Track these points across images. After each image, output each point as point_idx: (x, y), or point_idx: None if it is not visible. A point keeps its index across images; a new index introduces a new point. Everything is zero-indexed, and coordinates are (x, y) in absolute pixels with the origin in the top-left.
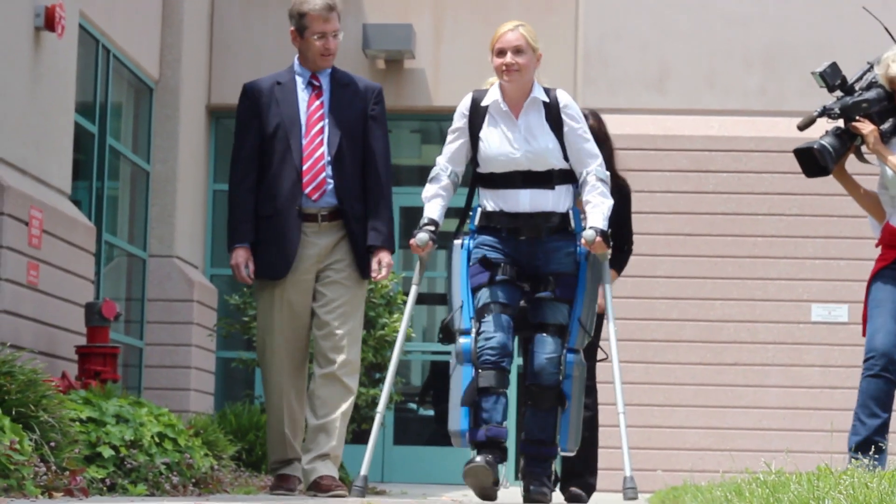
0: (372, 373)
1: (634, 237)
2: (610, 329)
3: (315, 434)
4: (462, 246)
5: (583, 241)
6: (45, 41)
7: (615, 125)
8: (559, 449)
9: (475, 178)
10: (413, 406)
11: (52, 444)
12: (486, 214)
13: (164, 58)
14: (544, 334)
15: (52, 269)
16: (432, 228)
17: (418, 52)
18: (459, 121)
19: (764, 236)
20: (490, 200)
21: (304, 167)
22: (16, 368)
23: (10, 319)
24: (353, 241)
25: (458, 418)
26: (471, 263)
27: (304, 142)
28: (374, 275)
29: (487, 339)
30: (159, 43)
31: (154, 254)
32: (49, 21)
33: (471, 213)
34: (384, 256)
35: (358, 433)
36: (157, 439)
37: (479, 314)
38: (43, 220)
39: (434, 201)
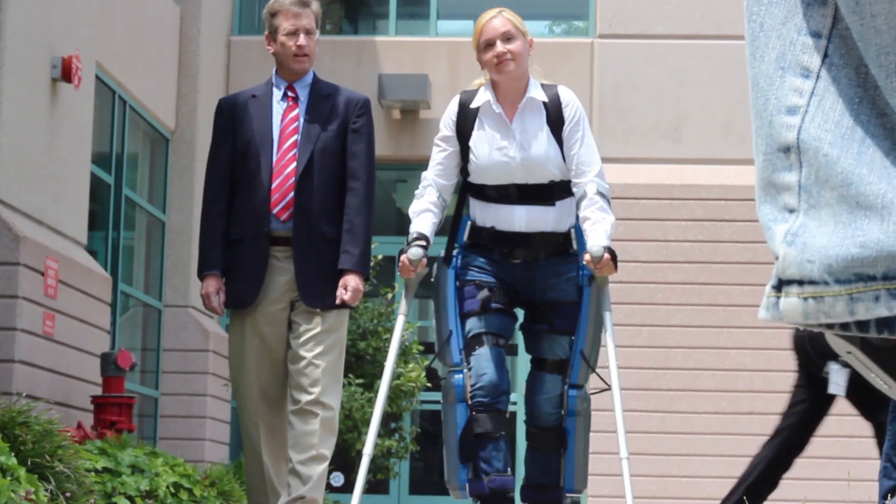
0: (387, 423)
1: (650, 286)
2: (611, 360)
3: (289, 476)
4: (449, 264)
5: (586, 259)
6: (62, 92)
7: (631, 174)
8: (565, 492)
9: (465, 186)
10: (430, 457)
11: (68, 494)
12: (475, 230)
13: (180, 109)
14: (543, 372)
15: (67, 319)
16: (423, 243)
17: (434, 102)
18: (446, 129)
19: None
20: (480, 215)
21: (274, 184)
22: (31, 419)
23: (26, 370)
24: (300, 270)
25: (455, 469)
26: (459, 285)
27: (275, 158)
28: (338, 299)
29: (479, 376)
30: (175, 94)
31: (169, 304)
32: (66, 72)
33: (459, 227)
34: (351, 279)
35: (374, 483)
36: (172, 489)
37: (470, 346)
38: (59, 271)
39: (423, 216)
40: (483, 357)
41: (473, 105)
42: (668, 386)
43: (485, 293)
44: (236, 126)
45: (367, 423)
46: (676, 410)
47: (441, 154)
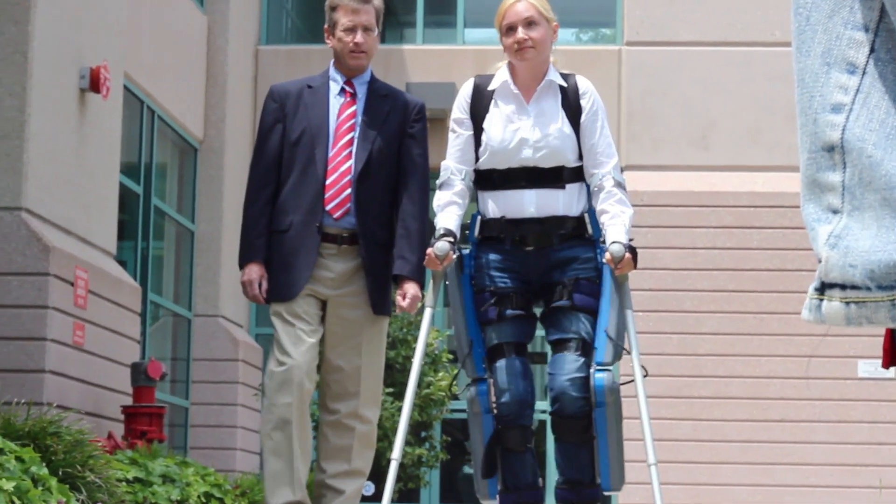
0: (418, 431)
1: (680, 294)
2: (635, 364)
3: (322, 489)
4: (462, 269)
5: (607, 256)
6: (91, 103)
7: (659, 182)
8: (602, 490)
9: (475, 178)
10: (461, 466)
11: None
12: (486, 223)
13: (208, 118)
14: (564, 352)
15: (97, 329)
16: (451, 239)
17: None
18: (461, 111)
19: None
20: (490, 205)
21: (328, 181)
22: (62, 429)
23: (57, 380)
24: (370, 272)
25: (485, 487)
26: (475, 290)
27: (331, 153)
28: (398, 306)
29: (502, 391)
30: (204, 103)
31: (199, 313)
32: (94, 83)
33: (470, 223)
34: (410, 287)
35: (404, 492)
36: (203, 499)
37: (490, 358)
38: (88, 281)
39: (449, 210)
40: (504, 370)
41: (490, 87)
42: (698, 394)
43: (500, 300)
44: (288, 114)
45: (396, 431)
46: (707, 418)
47: (458, 139)
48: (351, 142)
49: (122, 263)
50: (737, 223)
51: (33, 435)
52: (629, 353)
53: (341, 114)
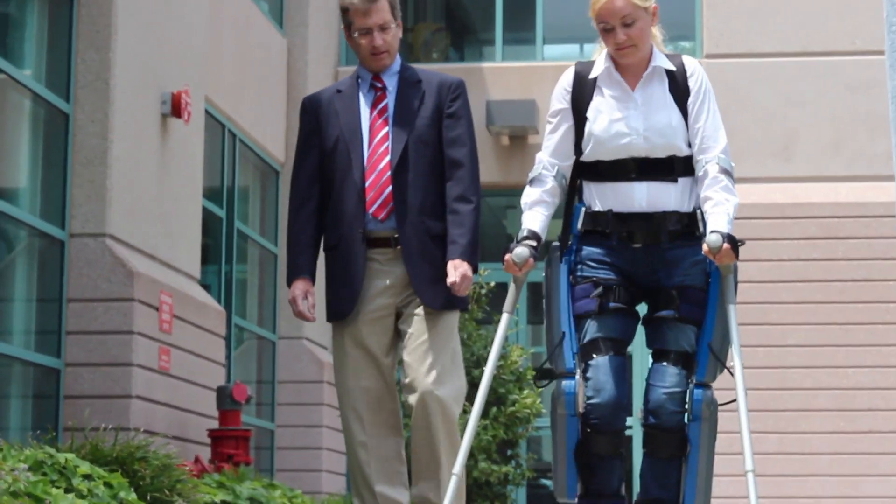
0: (504, 449)
1: (765, 306)
2: (736, 361)
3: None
4: (562, 259)
5: (704, 248)
6: (172, 127)
7: (743, 194)
8: None
9: (577, 168)
10: (546, 482)
11: None
12: (591, 216)
13: (289, 140)
14: (665, 363)
15: (183, 353)
16: (533, 243)
17: (542, 128)
18: (560, 101)
19: None
20: (596, 198)
21: (367, 182)
22: (150, 454)
23: (143, 405)
24: (413, 266)
25: (564, 485)
26: (574, 283)
27: (367, 153)
28: (448, 281)
29: (597, 391)
30: (285, 126)
31: (284, 336)
32: (175, 107)
33: (573, 214)
34: (460, 264)
35: None
36: None
37: (586, 353)
38: (173, 305)
39: (536, 210)
40: (600, 368)
41: (592, 75)
42: (785, 406)
43: (602, 291)
44: (322, 124)
45: (482, 450)
46: (794, 431)
47: (554, 131)
48: (386, 137)
49: (207, 287)
50: (821, 234)
51: (121, 460)
52: (732, 373)
53: (373, 110)
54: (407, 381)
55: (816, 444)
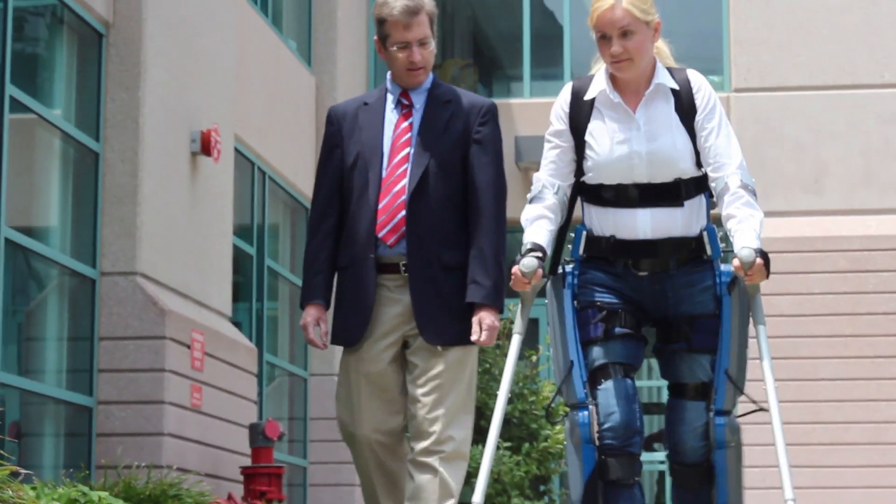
0: (536, 485)
1: (796, 340)
2: (768, 382)
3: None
4: (565, 283)
5: (735, 265)
6: (202, 165)
7: (772, 228)
8: None
9: (578, 189)
10: None
11: None
12: (593, 240)
13: None
14: (684, 399)
15: (214, 390)
16: (539, 255)
17: None
18: (558, 121)
19: None
20: (598, 222)
21: (381, 205)
22: (183, 491)
23: (175, 442)
24: (419, 299)
25: None
26: (578, 308)
27: (384, 174)
28: (473, 337)
29: (608, 415)
30: (313, 163)
31: (315, 372)
32: (205, 146)
33: (573, 236)
34: (485, 316)
35: None
36: None
37: (594, 379)
38: (204, 343)
39: (538, 224)
40: (610, 393)
41: (588, 95)
42: (817, 440)
43: (607, 316)
44: (345, 137)
45: (516, 486)
46: (827, 465)
47: (553, 151)
48: (406, 158)
49: (238, 325)
50: (851, 267)
51: (154, 498)
52: (758, 405)
53: (397, 128)
54: (412, 422)
55: (849, 477)
